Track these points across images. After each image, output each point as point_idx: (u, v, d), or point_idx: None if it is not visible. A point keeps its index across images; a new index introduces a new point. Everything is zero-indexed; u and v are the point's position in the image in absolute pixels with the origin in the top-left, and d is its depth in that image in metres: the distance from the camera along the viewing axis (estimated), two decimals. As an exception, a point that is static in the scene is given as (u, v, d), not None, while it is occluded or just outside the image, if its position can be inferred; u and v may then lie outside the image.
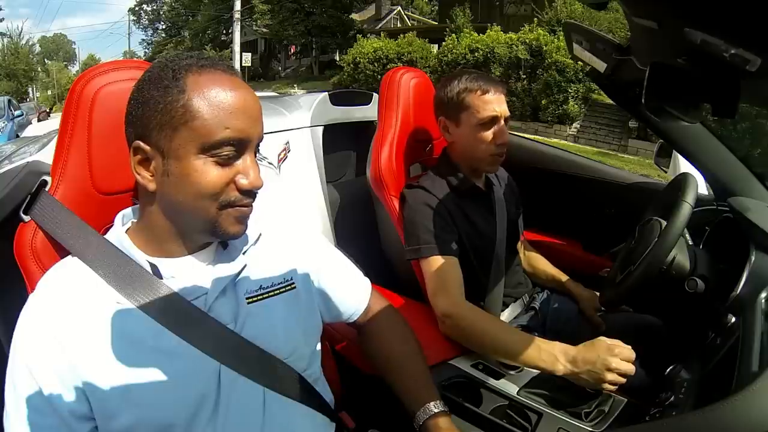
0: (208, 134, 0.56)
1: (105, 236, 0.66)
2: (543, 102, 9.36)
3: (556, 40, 9.32)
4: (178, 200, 0.59)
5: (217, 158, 0.58)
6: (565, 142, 9.05)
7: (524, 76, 9.62)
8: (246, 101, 0.59)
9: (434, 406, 0.74)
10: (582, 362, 0.84)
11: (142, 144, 0.58)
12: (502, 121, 1.12)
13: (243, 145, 0.59)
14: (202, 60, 0.60)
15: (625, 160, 7.82)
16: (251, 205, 0.63)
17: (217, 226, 0.61)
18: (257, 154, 0.63)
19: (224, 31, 24.12)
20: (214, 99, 0.57)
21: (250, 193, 0.61)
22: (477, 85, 1.10)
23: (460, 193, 1.15)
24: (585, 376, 0.84)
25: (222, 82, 0.58)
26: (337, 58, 16.68)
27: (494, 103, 1.10)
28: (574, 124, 9.44)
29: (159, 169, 0.58)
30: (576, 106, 9.22)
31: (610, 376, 0.82)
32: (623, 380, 0.83)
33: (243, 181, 0.59)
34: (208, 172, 0.57)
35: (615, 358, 0.82)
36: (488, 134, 1.10)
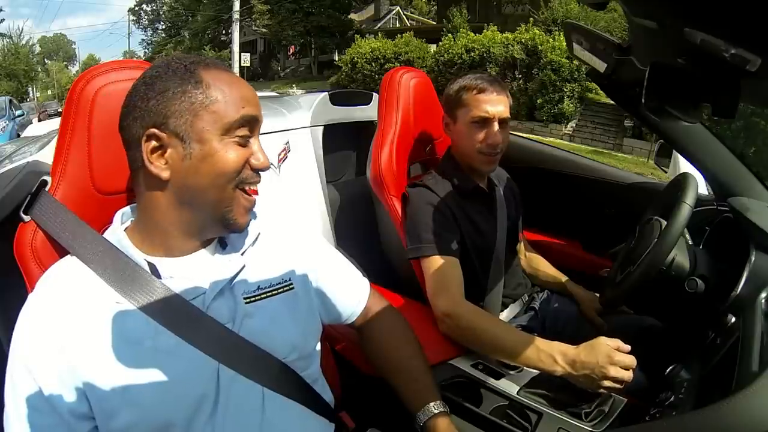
0: (227, 115, 0.61)
1: (104, 235, 0.66)
2: (539, 101, 9.38)
3: (551, 39, 9.35)
4: (197, 183, 0.61)
5: (237, 139, 0.62)
6: (561, 141, 9.08)
7: (520, 76, 9.65)
8: (250, 90, 0.66)
9: (434, 407, 0.74)
10: (580, 366, 0.84)
11: (157, 131, 0.60)
12: (496, 123, 1.11)
13: (254, 126, 0.65)
14: (206, 59, 0.66)
15: (620, 159, 7.87)
16: (257, 192, 0.69)
17: (229, 213, 0.64)
18: None
19: (224, 31, 24.10)
20: (227, 86, 0.63)
21: (259, 174, 0.67)
22: (474, 83, 1.10)
23: (463, 193, 1.15)
24: (582, 380, 0.84)
25: (228, 75, 0.65)
26: (336, 59, 16.68)
27: (488, 103, 1.10)
28: (569, 123, 9.46)
29: (177, 154, 0.60)
30: (571, 105, 9.24)
31: (607, 383, 0.82)
32: (620, 387, 0.82)
33: (255, 162, 0.65)
34: (229, 153, 0.62)
35: (614, 366, 0.81)
36: (479, 134, 1.11)
